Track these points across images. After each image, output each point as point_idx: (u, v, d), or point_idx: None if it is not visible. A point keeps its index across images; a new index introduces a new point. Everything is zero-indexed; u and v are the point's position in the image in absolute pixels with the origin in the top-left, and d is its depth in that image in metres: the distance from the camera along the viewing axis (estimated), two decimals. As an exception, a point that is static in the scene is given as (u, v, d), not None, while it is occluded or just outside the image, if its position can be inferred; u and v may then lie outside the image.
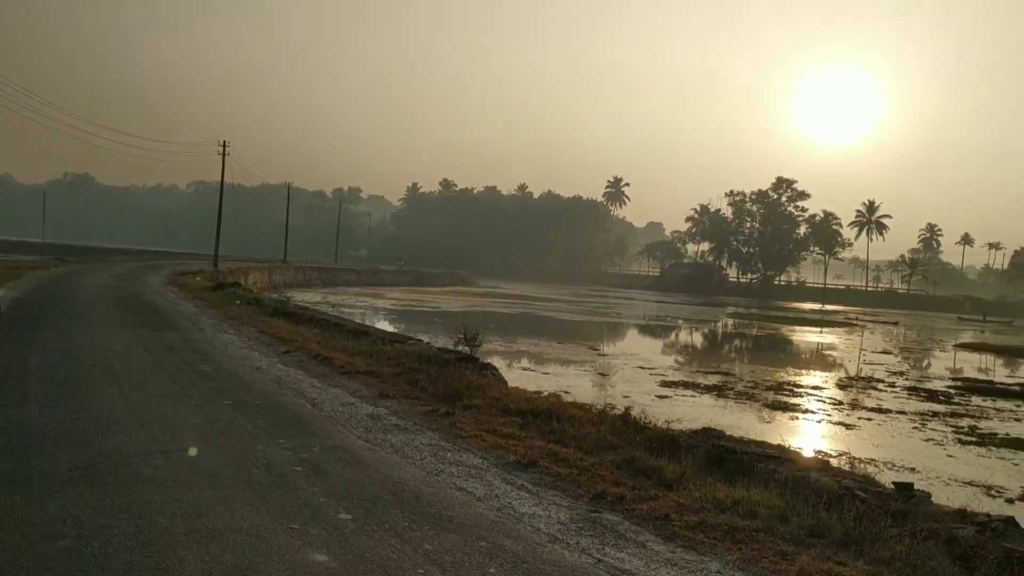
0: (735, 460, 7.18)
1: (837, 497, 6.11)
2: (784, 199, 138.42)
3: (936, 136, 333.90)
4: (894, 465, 15.36)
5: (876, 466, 15.07)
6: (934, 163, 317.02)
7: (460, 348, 16.63)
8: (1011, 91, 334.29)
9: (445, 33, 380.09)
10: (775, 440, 16.31)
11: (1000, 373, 36.91)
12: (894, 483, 6.88)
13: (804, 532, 5.59)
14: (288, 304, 27.07)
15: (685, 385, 24.43)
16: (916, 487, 7.52)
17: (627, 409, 9.97)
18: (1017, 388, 29.41)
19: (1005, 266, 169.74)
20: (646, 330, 52.20)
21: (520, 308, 58.48)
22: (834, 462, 13.70)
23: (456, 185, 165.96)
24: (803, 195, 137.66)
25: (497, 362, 20.64)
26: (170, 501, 5.79)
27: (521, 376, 22.16)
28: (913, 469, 14.96)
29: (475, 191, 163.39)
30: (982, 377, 33.42)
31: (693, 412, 19.52)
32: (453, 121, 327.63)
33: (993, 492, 14.08)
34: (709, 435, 8.17)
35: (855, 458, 15.62)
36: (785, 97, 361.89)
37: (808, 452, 14.50)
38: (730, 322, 66.62)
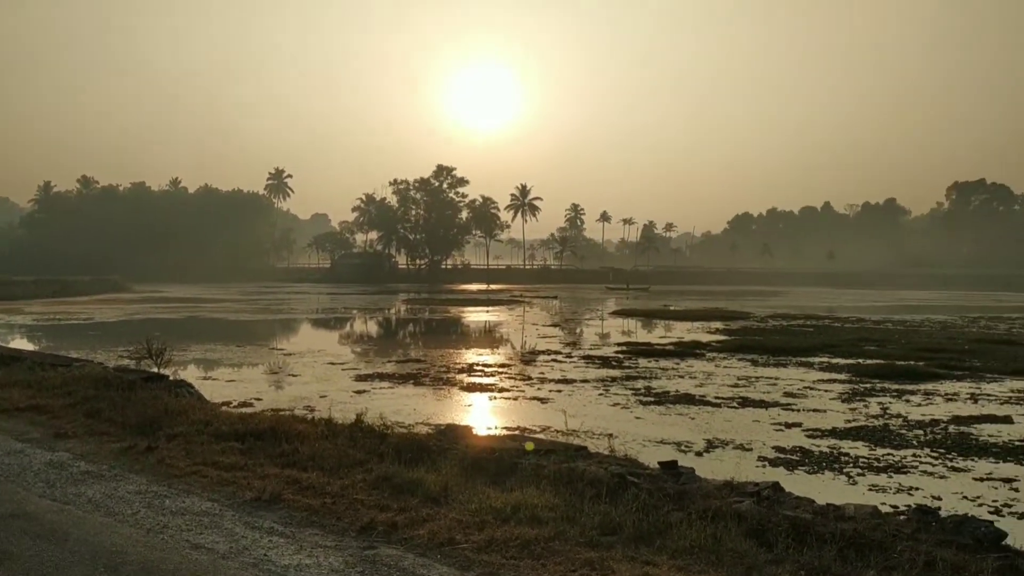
0: (495, 460, 6.73)
1: (612, 487, 5.89)
2: (445, 186, 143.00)
3: (579, 124, 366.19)
4: (594, 433, 16.02)
5: (579, 436, 15.66)
6: (577, 149, 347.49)
7: (144, 366, 14.52)
8: (639, 85, 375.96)
9: (78, 4, 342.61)
10: (481, 423, 16.53)
11: (654, 335, 40.80)
12: (660, 463, 6.84)
13: (596, 532, 5.27)
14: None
15: (380, 377, 23.92)
16: (617, 450, 7.68)
17: (359, 416, 9.12)
18: (672, 348, 32.60)
19: (637, 239, 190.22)
20: (327, 324, 50.91)
21: (187, 312, 54.24)
22: (563, 439, 14.05)
23: (98, 182, 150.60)
24: (463, 181, 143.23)
25: (173, 375, 18.60)
26: None
27: (203, 387, 20.27)
28: (612, 435, 15.66)
29: (120, 188, 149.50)
30: (642, 340, 36.65)
31: (396, 404, 19.09)
32: (94, 110, 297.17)
33: (683, 447, 15.19)
34: (456, 432, 7.64)
35: (559, 431, 16.21)
36: (442, 88, 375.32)
37: (538, 434, 14.72)
38: (406, 309, 67.32)
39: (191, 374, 23.12)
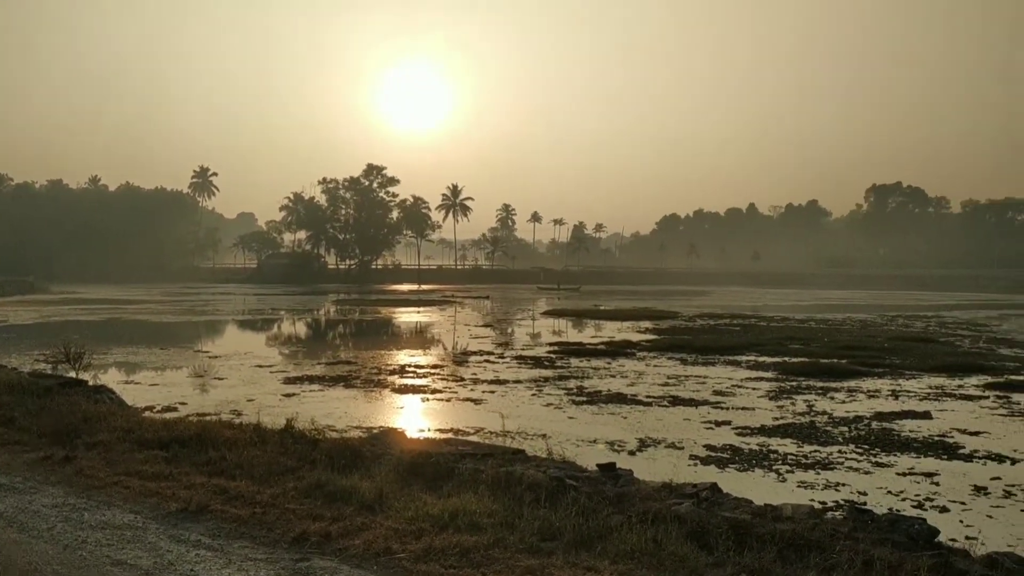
0: (431, 465, 6.58)
1: (551, 491, 5.81)
2: (376, 185, 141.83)
3: (511, 127, 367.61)
4: (528, 434, 15.97)
5: (513, 437, 15.59)
6: (509, 151, 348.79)
7: (61, 371, 13.87)
8: (569, 89, 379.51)
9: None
10: (414, 426, 16.33)
11: (585, 334, 41.07)
12: (598, 465, 6.79)
13: (536, 538, 5.18)
14: None
15: (310, 379, 23.49)
16: (554, 451, 7.60)
17: (290, 421, 8.84)
18: (603, 347, 32.83)
19: (568, 239, 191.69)
20: (254, 326, 49.89)
21: (107, 314, 52.49)
22: (498, 440, 13.97)
23: (12, 179, 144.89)
24: (393, 180, 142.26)
25: (93, 379, 17.91)
26: None
27: (125, 392, 19.61)
28: (546, 435, 15.63)
29: (36, 185, 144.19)
30: (574, 340, 36.83)
31: (327, 407, 18.76)
32: (6, 103, 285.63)
33: (616, 446, 15.24)
34: (391, 437, 7.46)
35: (493, 432, 16.12)
36: (374, 88, 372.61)
37: (472, 435, 14.59)
38: (336, 309, 66.45)
39: (112, 378, 22.33)
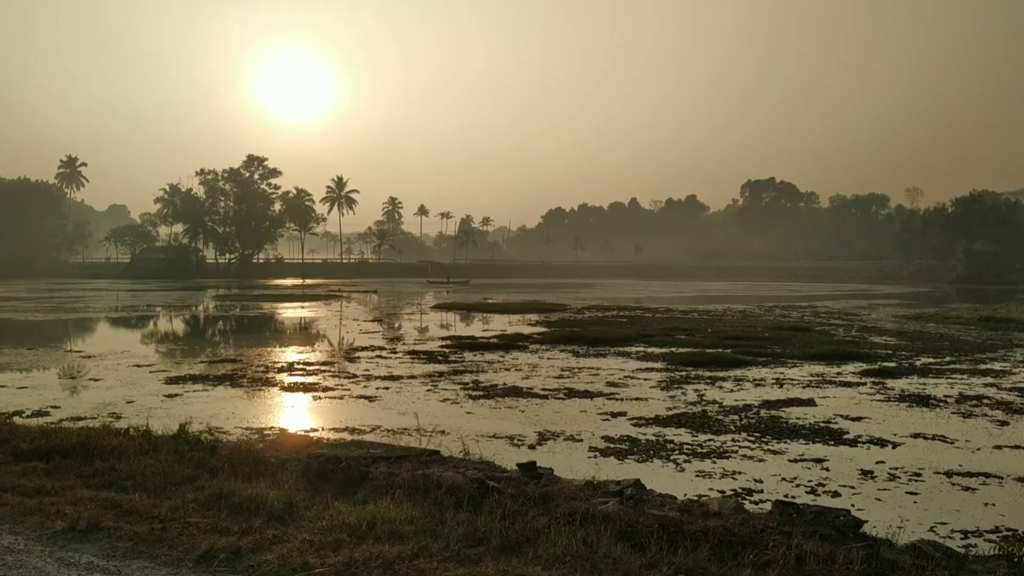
0: (341, 470, 6.24)
1: (472, 494, 5.58)
2: (257, 176, 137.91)
3: (395, 119, 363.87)
4: (425, 431, 15.67)
5: (410, 434, 15.29)
6: (394, 143, 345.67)
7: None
8: (455, 83, 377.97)
9: None
10: (307, 425, 15.76)
11: (477, 328, 40.94)
12: (518, 464, 6.59)
13: (462, 544, 4.94)
14: None
15: (194, 379, 22.44)
16: (467, 451, 7.41)
17: (183, 426, 8.28)
18: (496, 341, 32.77)
19: (455, 233, 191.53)
20: (129, 323, 47.48)
21: (-35, 312, 49.05)
22: (396, 438, 13.63)
23: None
24: (275, 172, 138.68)
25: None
26: None
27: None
28: (444, 431, 15.38)
29: None
30: (465, 334, 36.62)
31: (212, 408, 17.95)
32: None
33: (516, 440, 15.13)
34: (296, 442, 7.05)
35: (390, 430, 15.77)
36: (254, 78, 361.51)
37: (368, 434, 14.16)
38: (216, 305, 64.18)
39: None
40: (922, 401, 19.32)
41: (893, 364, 25.77)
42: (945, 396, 20.00)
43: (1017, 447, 14.84)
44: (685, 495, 8.85)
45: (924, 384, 21.93)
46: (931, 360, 27.09)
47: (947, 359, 27.43)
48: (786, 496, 11.58)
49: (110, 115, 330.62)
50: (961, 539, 9.59)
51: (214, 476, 6.40)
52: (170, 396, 19.61)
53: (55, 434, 8.16)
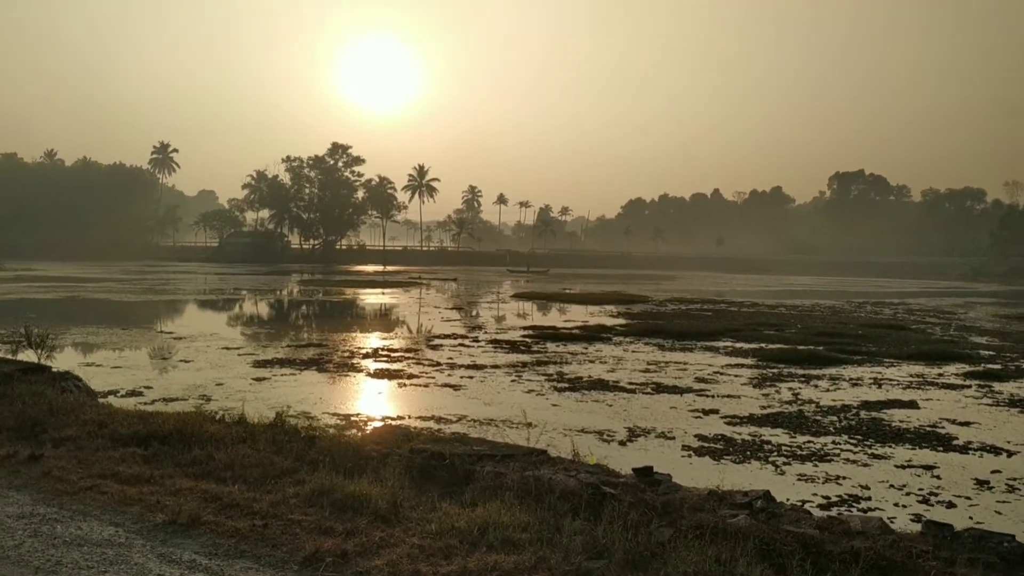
0: (446, 467, 5.95)
1: (587, 499, 5.21)
2: (341, 164, 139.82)
3: (479, 108, 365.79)
4: (512, 422, 15.41)
5: (497, 426, 15.05)
6: (476, 132, 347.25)
7: (20, 356, 12.83)
8: (540, 75, 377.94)
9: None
10: (394, 412, 15.62)
11: (558, 318, 40.54)
12: (634, 469, 6.20)
13: (582, 557, 4.57)
14: None
15: (281, 363, 22.65)
16: (577, 452, 7.00)
17: (280, 415, 8.12)
18: (578, 332, 32.34)
19: (534, 222, 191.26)
20: (217, 306, 48.62)
21: (65, 292, 50.86)
22: (482, 429, 13.42)
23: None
24: (359, 160, 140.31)
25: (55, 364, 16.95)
26: None
27: (85, 374, 18.70)
28: (531, 424, 15.05)
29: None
30: (547, 324, 36.28)
31: (300, 392, 18.04)
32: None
33: (606, 436, 14.74)
34: (397, 434, 6.79)
35: (476, 420, 15.55)
36: (339, 65, 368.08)
37: (454, 423, 13.98)
38: (301, 290, 65.30)
39: (70, 360, 21.39)
40: (1035, 407, 18.19)
41: (999, 366, 24.42)
42: (1061, 403, 18.80)
43: None
44: (787, 500, 8.35)
45: (1036, 389, 20.68)
46: (1041, 363, 25.59)
47: (1059, 363, 25.88)
48: (896, 504, 10.92)
49: (200, 104, 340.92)
50: (1098, 561, 8.83)
51: (314, 469, 6.15)
52: (258, 379, 19.79)
53: (152, 419, 8.02)
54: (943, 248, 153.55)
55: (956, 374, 22.84)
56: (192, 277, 78.03)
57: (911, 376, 22.31)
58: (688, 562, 4.44)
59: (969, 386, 20.89)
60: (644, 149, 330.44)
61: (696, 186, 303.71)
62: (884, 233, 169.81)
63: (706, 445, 14.08)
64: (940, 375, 22.63)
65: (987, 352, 28.23)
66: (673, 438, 14.63)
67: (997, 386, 20.94)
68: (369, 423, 14.78)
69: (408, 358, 24.10)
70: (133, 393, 17.31)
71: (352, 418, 15.28)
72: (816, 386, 20.39)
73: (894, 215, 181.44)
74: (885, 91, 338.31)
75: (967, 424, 16.24)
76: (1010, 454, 14.00)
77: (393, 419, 15.05)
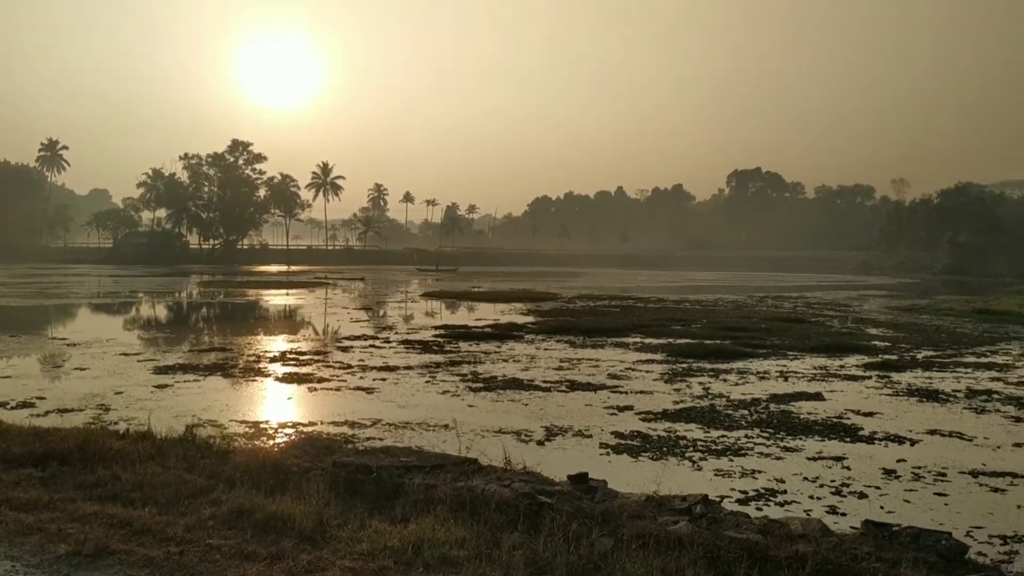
0: (372, 481, 5.67)
1: (524, 510, 5.03)
2: (241, 162, 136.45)
3: (383, 107, 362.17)
4: (429, 425, 15.16)
5: (414, 429, 14.76)
6: (380, 131, 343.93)
7: None
8: (446, 74, 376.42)
9: None
10: (305, 418, 15.14)
11: (469, 317, 40.30)
12: (569, 476, 6.04)
13: (524, 572, 4.38)
14: None
15: (183, 368, 21.75)
16: (509, 460, 6.84)
17: (189, 428, 7.67)
18: (490, 330, 32.20)
19: (441, 220, 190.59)
20: (112, 309, 46.57)
21: (-57, 297, 47.96)
22: (399, 433, 13.11)
23: None
24: (260, 157, 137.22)
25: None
26: None
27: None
28: (446, 426, 14.85)
29: None
30: (458, 323, 36.01)
31: (205, 400, 17.33)
32: None
33: (523, 436, 14.60)
34: (315, 445, 6.47)
35: (392, 424, 15.20)
36: (239, 61, 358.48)
37: (368, 428, 13.60)
38: (201, 291, 63.25)
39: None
40: (931, 396, 18.95)
41: (895, 357, 25.43)
42: (954, 391, 19.66)
43: (1038, 446, 14.46)
44: (706, 496, 8.37)
45: (930, 378, 21.59)
46: (932, 353, 26.77)
47: (948, 352, 27.12)
48: (811, 497, 11.13)
49: (92, 98, 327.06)
50: (1001, 544, 9.16)
51: (231, 487, 5.78)
52: (160, 387, 18.93)
53: (49, 435, 7.42)
54: (835, 243, 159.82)
55: (856, 365, 23.63)
56: (85, 280, 74.70)
57: (815, 368, 22.97)
58: (634, 574, 4.32)
59: (869, 377, 21.63)
60: (550, 148, 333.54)
61: (601, 184, 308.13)
62: (780, 229, 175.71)
63: (623, 442, 14.11)
64: (842, 367, 23.37)
65: (883, 343, 29.38)
66: (590, 436, 14.62)
67: (895, 376, 21.74)
68: (280, 430, 14.31)
69: (317, 361, 23.50)
70: (24, 404, 16.32)
71: (261, 425, 14.74)
72: (725, 380, 20.77)
73: (789, 211, 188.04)
74: (780, 91, 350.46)
75: (870, 415, 16.76)
76: (912, 443, 14.48)
77: (305, 425, 14.60)
